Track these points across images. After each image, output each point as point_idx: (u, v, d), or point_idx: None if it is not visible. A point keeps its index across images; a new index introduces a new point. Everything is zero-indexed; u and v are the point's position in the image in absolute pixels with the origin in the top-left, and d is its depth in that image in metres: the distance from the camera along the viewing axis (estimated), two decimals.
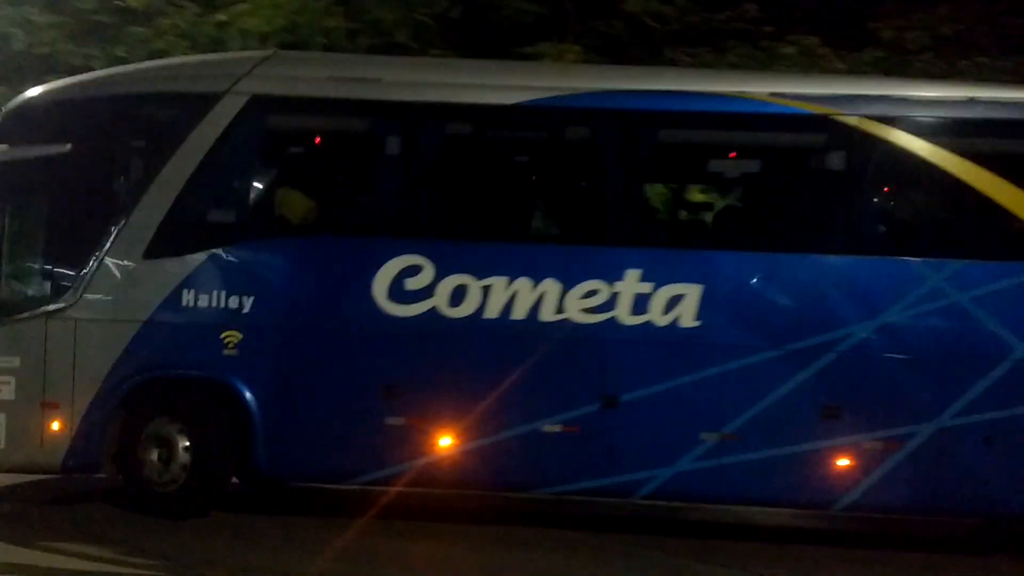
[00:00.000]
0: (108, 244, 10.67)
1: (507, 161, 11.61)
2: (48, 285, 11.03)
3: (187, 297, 10.61)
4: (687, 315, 10.38)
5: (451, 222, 11.01)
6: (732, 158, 11.32)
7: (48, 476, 11.46)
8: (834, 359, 10.31)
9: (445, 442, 10.59)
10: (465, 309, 10.51)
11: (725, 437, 10.39)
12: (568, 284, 10.46)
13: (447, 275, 10.51)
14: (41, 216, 11.34)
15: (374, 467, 10.67)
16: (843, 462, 10.36)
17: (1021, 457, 10.26)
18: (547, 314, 10.47)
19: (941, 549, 10.93)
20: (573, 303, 10.45)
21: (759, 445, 10.37)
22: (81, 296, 10.68)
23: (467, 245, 10.73)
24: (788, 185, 11.14)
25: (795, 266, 10.49)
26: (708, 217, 11.95)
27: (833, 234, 10.57)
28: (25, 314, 10.84)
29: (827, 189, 10.64)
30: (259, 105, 10.81)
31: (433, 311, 10.52)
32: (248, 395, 10.63)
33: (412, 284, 10.52)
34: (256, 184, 11.29)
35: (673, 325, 10.40)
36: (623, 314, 10.43)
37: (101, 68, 15.49)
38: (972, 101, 10.66)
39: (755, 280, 10.47)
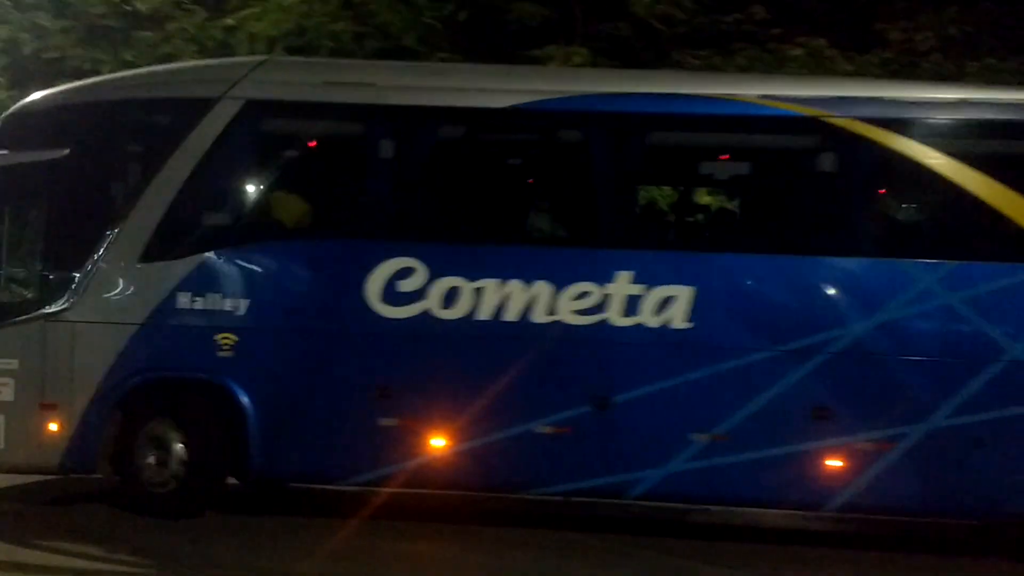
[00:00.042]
0: (106, 247, 10.92)
1: (498, 164, 11.79)
2: (47, 288, 11.20)
3: (183, 300, 10.83)
4: (678, 317, 10.51)
5: (443, 225, 11.18)
6: (722, 160, 11.46)
7: (47, 477, 11.67)
8: (825, 360, 10.41)
9: (438, 443, 10.74)
10: (458, 311, 10.67)
11: (716, 438, 10.50)
12: (560, 286, 10.61)
13: (440, 277, 10.68)
14: (40, 220, 11.56)
15: (367, 468, 10.84)
16: (834, 463, 10.44)
17: (1012, 458, 10.33)
18: (539, 316, 10.62)
19: (951, 551, 11.04)
20: (565, 305, 10.60)
21: (750, 446, 10.47)
22: (79, 299, 10.92)
23: (459, 247, 10.91)
24: (778, 187, 11.29)
25: (786, 268, 10.60)
26: (699, 219, 12.13)
27: (824, 235, 10.65)
28: (24, 316, 11.09)
29: (817, 190, 10.76)
30: (254, 109, 11.04)
31: (426, 313, 10.69)
32: (243, 396, 10.83)
33: (405, 286, 10.70)
34: (251, 188, 11.46)
35: (664, 327, 10.52)
36: (615, 316, 10.56)
37: (110, 72, 15.83)
38: (963, 103, 10.80)
39: (746, 282, 10.62)
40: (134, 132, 11.50)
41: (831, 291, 10.53)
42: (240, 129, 11.02)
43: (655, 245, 11.06)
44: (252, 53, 17.57)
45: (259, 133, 11.27)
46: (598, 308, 10.59)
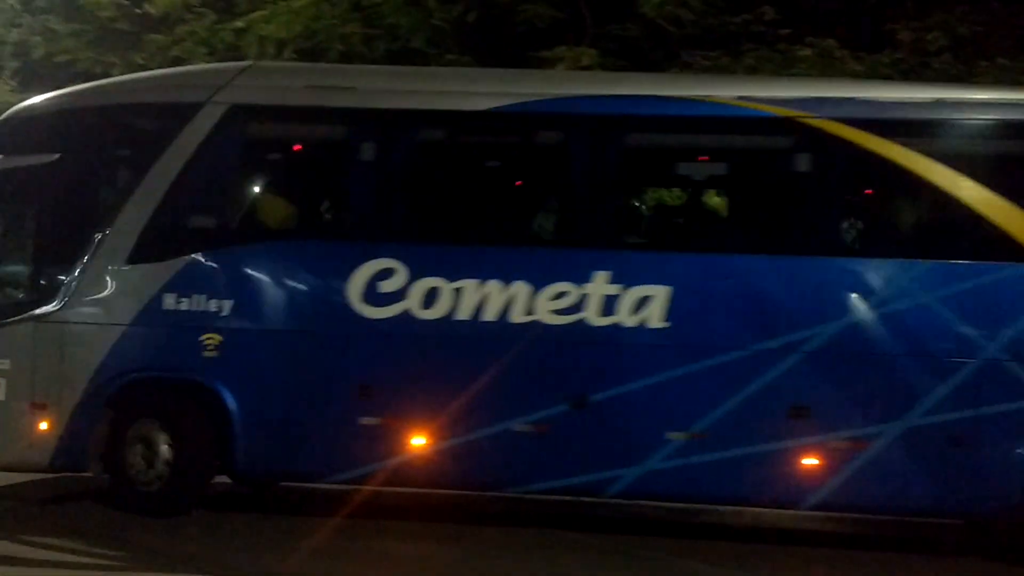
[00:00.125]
0: (94, 250, 11.38)
1: (478, 166, 12.19)
2: (38, 290, 11.69)
3: (168, 301, 11.26)
4: (655, 316, 10.83)
5: (423, 226, 11.57)
6: (700, 161, 11.82)
7: (38, 475, 12.14)
8: (801, 359, 10.71)
9: (419, 442, 11.09)
10: (437, 311, 11.04)
11: (693, 436, 10.79)
12: (538, 286, 10.96)
13: (420, 278, 11.05)
14: (31, 223, 12.06)
15: (350, 466, 11.18)
16: (811, 461, 10.70)
17: (989, 457, 10.58)
18: (517, 316, 10.97)
19: (951, 552, 11.25)
20: (543, 305, 10.95)
21: (727, 444, 10.74)
22: (68, 300, 11.39)
23: (439, 248, 11.29)
24: (755, 187, 11.68)
25: (762, 267, 10.90)
26: (676, 219, 12.46)
27: (801, 235, 10.96)
28: (16, 318, 11.56)
29: (793, 191, 11.08)
30: (238, 114, 11.48)
31: (406, 313, 11.06)
32: (227, 396, 11.24)
33: (386, 287, 11.08)
34: (235, 191, 11.86)
35: (641, 326, 10.85)
36: (592, 315, 10.90)
37: (120, 75, 16.23)
38: (938, 103, 11.08)
39: (722, 281, 10.92)
40: (122, 137, 11.97)
41: (807, 290, 10.81)
42: (225, 133, 11.44)
43: (632, 245, 11.43)
44: (262, 56, 17.94)
45: (243, 137, 11.66)
46: (576, 308, 10.91)
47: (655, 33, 18.33)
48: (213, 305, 11.26)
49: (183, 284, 11.28)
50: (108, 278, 11.40)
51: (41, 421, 11.39)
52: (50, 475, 12.04)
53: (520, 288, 10.98)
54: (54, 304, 11.44)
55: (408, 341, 11.11)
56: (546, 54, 17.78)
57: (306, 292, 11.29)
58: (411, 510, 11.95)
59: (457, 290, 11.04)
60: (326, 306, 11.24)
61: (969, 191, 10.71)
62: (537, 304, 10.97)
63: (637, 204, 12.40)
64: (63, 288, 11.44)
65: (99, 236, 11.40)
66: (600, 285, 10.92)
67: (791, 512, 11.77)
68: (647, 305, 10.85)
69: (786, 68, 17.27)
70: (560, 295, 10.95)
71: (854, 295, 10.74)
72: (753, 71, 17.16)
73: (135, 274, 11.37)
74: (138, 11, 19.47)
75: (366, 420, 11.12)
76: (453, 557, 10.54)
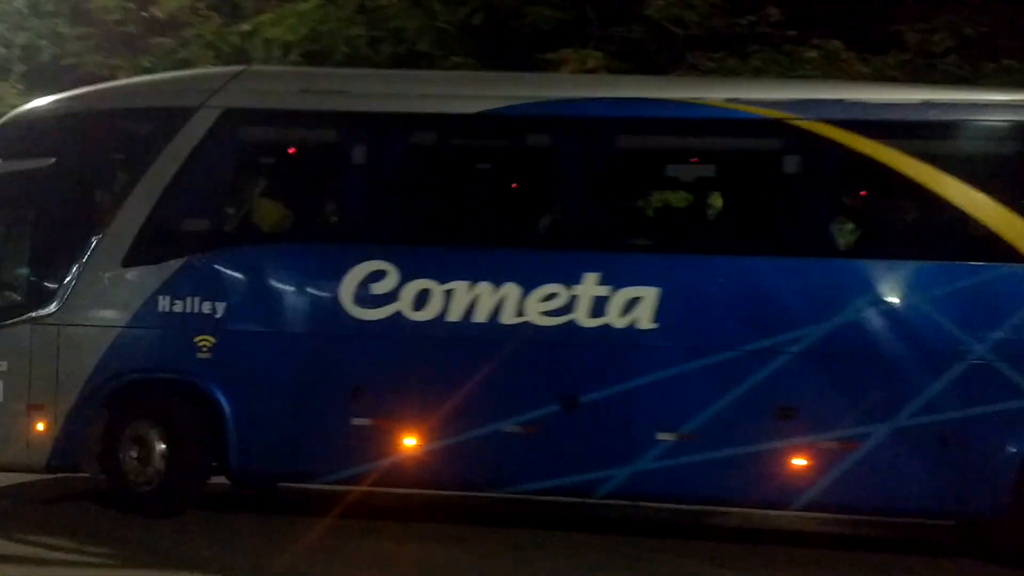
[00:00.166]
0: (89, 253, 11.60)
1: (469, 169, 12.35)
2: (34, 292, 11.91)
3: (163, 303, 11.47)
4: (644, 317, 11.01)
5: (415, 228, 11.74)
6: (689, 163, 12.01)
7: (34, 476, 12.36)
8: (789, 360, 10.85)
9: (410, 442, 11.27)
10: (428, 313, 11.23)
11: (682, 437, 10.95)
12: (528, 288, 11.14)
13: (411, 280, 11.25)
14: (28, 226, 12.29)
15: (342, 467, 11.37)
16: (800, 462, 10.84)
17: (977, 458, 10.71)
18: (508, 317, 11.16)
19: (951, 552, 11.40)
20: (533, 306, 11.13)
21: (716, 445, 10.89)
22: (64, 302, 11.63)
23: (430, 250, 11.50)
24: (744, 189, 11.85)
25: (751, 268, 11.07)
26: (665, 221, 12.66)
27: (789, 237, 11.11)
28: (13, 320, 11.81)
29: (782, 192, 11.24)
30: (232, 118, 11.70)
31: (398, 315, 11.25)
32: (221, 397, 11.46)
33: (378, 289, 11.27)
34: (228, 194, 12.16)
35: (631, 327, 11.03)
36: (582, 317, 11.07)
37: (127, 78, 16.47)
38: (926, 104, 11.21)
39: (712, 283, 11.09)
40: (117, 141, 12.19)
41: (797, 291, 10.96)
42: (219, 137, 11.66)
43: (622, 247, 11.57)
44: (268, 58, 18.31)
45: (237, 140, 11.91)
46: (566, 309, 11.09)
47: (660, 35, 18.55)
48: (207, 307, 11.44)
49: (177, 286, 11.47)
50: (104, 280, 11.62)
51: (38, 422, 11.60)
52: (48, 475, 12.24)
53: (511, 289, 11.14)
54: (51, 306, 11.66)
55: (399, 342, 11.29)
56: (551, 56, 18.06)
57: (299, 294, 11.47)
58: (412, 510, 12.12)
59: (448, 292, 11.20)
60: (318, 308, 11.42)
61: (957, 192, 10.85)
62: (527, 305, 11.13)
63: (627, 206, 12.48)
64: (60, 290, 11.64)
65: (95, 239, 11.62)
66: (590, 286, 11.08)
67: (791, 513, 11.84)
68: (637, 306, 11.01)
69: (792, 70, 17.49)
70: (550, 296, 11.12)
71: (842, 296, 10.88)
72: (759, 73, 17.34)
73: (130, 276, 11.59)
74: (144, 14, 19.82)
75: (358, 421, 11.28)
76: (453, 557, 10.65)
